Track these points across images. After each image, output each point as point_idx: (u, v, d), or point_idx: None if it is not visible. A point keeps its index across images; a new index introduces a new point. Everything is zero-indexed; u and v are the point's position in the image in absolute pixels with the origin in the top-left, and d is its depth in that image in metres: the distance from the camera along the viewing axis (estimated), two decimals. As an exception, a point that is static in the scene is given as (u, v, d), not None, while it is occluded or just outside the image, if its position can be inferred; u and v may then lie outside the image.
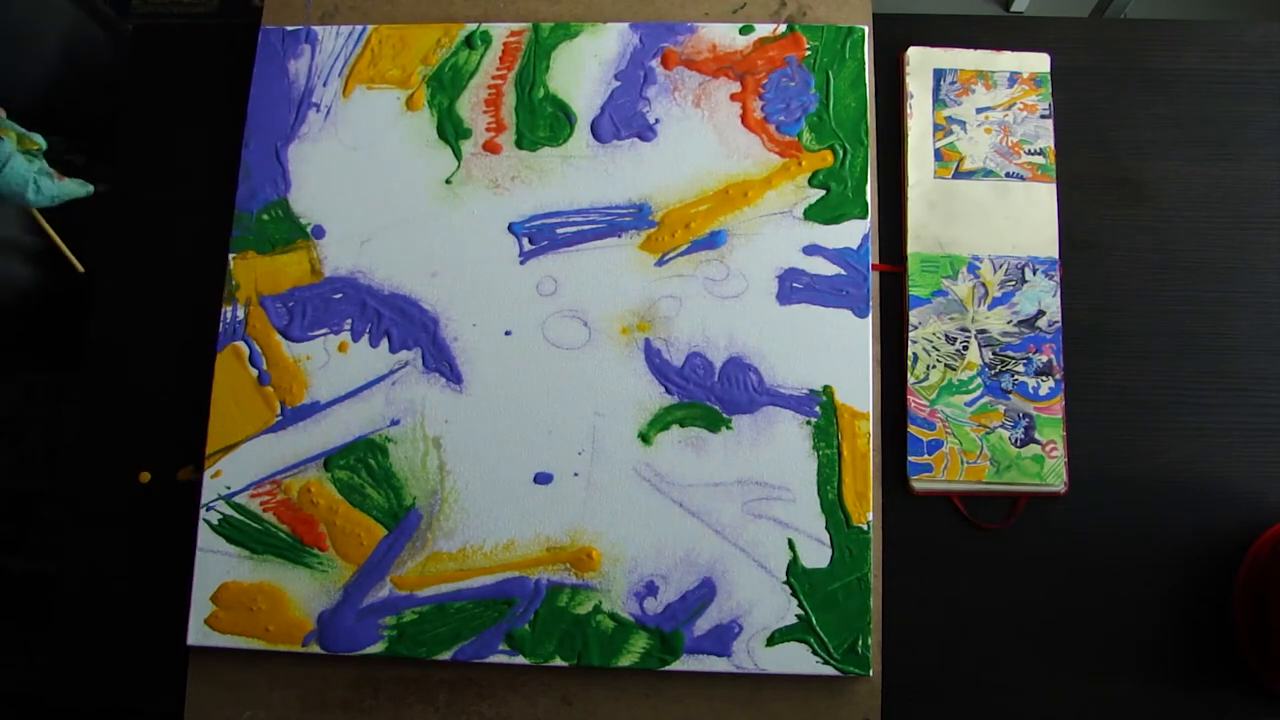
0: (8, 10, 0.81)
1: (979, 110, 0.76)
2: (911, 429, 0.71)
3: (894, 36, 0.78)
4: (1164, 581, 0.70)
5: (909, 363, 0.72)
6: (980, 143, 0.75)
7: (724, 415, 0.70)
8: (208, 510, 0.70)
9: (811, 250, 0.73)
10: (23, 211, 0.76)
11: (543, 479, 0.70)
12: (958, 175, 0.75)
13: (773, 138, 0.75)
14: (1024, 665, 0.69)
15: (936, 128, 0.76)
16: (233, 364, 0.73)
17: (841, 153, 0.74)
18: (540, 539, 0.69)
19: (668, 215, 0.74)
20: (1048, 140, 0.75)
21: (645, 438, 0.70)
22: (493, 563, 0.69)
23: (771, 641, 0.67)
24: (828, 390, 0.70)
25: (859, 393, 0.70)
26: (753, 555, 0.68)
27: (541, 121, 0.76)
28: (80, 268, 0.74)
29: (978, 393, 0.71)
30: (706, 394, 0.71)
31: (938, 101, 0.76)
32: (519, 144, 0.75)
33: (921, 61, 0.77)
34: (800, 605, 0.67)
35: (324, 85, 0.77)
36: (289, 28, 0.79)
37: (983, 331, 0.72)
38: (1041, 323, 0.72)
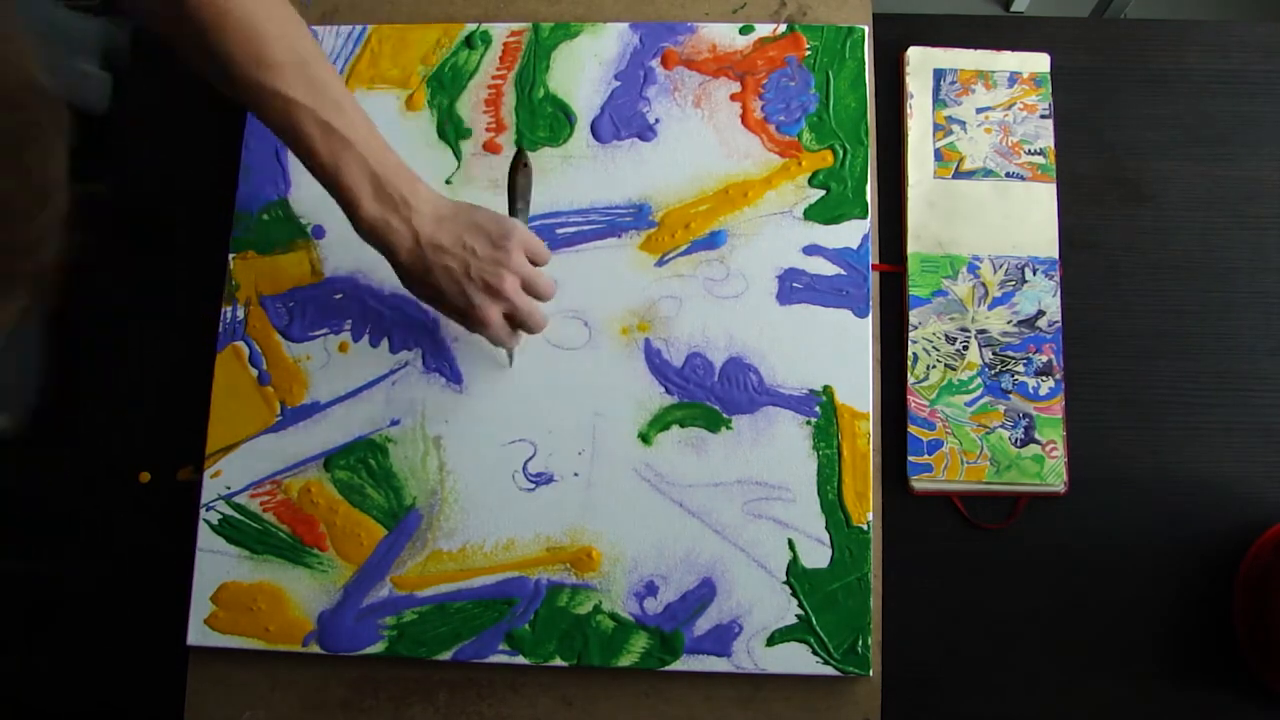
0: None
1: (979, 110, 0.76)
2: (911, 429, 0.71)
3: (894, 36, 0.78)
4: (1164, 581, 0.70)
5: (909, 363, 0.72)
6: (980, 143, 0.75)
7: (724, 415, 0.70)
8: (208, 510, 0.70)
9: (811, 250, 0.73)
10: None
11: (543, 479, 0.70)
12: (958, 175, 0.75)
13: (773, 138, 0.74)
14: (1024, 665, 0.69)
15: (936, 128, 0.76)
16: (233, 364, 0.73)
17: (841, 153, 0.74)
18: (540, 539, 0.69)
19: (668, 215, 0.74)
20: (1048, 140, 0.75)
21: (645, 438, 0.70)
22: (493, 563, 0.69)
23: (771, 641, 0.67)
24: (828, 390, 0.70)
25: (859, 393, 0.70)
26: (753, 555, 0.68)
27: (541, 121, 0.76)
28: None
29: (978, 393, 0.71)
30: (706, 394, 0.71)
31: (938, 101, 0.76)
32: (519, 144, 0.75)
33: (921, 61, 0.77)
34: (800, 605, 0.67)
35: (324, 85, 0.77)
36: (289, 28, 0.79)
37: (983, 331, 0.72)
38: (1041, 323, 0.72)
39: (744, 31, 0.77)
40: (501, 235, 0.62)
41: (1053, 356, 0.72)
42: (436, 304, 0.64)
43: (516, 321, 0.65)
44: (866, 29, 0.76)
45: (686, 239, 0.73)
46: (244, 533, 0.70)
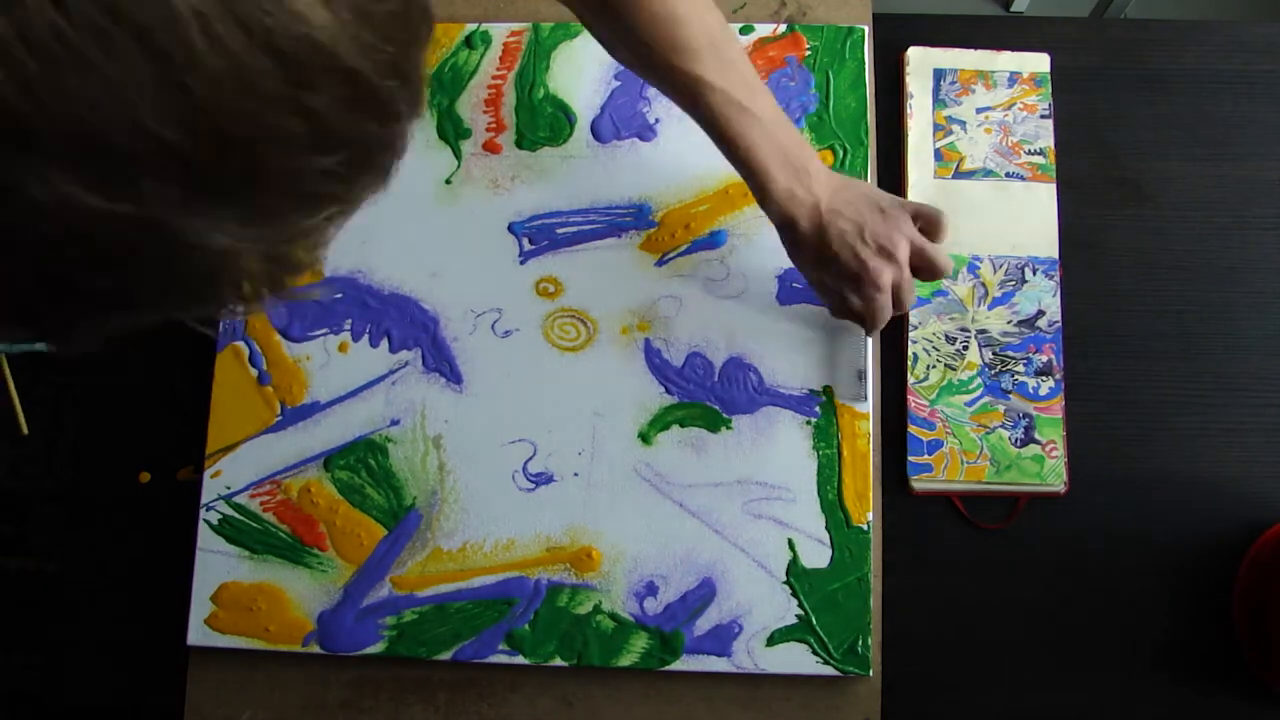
0: None
1: (979, 110, 0.76)
2: (911, 429, 0.71)
3: (894, 36, 0.78)
4: (1164, 581, 0.70)
5: (909, 363, 0.72)
6: (980, 143, 0.75)
7: (724, 415, 0.70)
8: (208, 510, 0.70)
9: (811, 250, 0.73)
10: None
11: (543, 479, 0.70)
12: (958, 175, 0.75)
13: (773, 138, 0.74)
14: (1024, 665, 0.69)
15: (936, 128, 0.76)
16: (233, 364, 0.73)
17: (841, 153, 0.74)
18: (540, 539, 0.69)
19: (668, 215, 0.74)
20: (1048, 140, 0.75)
21: (645, 438, 0.70)
22: (493, 563, 0.69)
23: (771, 641, 0.67)
24: (828, 390, 0.70)
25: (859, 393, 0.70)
26: (753, 555, 0.68)
27: (541, 121, 0.76)
28: (24, 429, 0.74)
29: (978, 393, 0.71)
30: (706, 394, 0.71)
31: (938, 101, 0.76)
32: (519, 144, 0.75)
33: (921, 61, 0.77)
34: (800, 605, 0.67)
35: (324, 85, 0.77)
36: (289, 28, 0.79)
37: (983, 331, 0.72)
38: (1041, 323, 0.72)
39: (744, 31, 0.77)
40: (892, 204, 0.63)
41: (1053, 356, 0.72)
42: (825, 274, 0.64)
43: (897, 293, 0.64)
44: (866, 29, 0.76)
45: (686, 239, 0.73)
46: (244, 533, 0.70)
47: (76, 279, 0.26)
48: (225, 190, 0.25)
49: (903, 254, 0.62)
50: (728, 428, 0.70)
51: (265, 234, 0.27)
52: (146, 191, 0.24)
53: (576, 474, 0.70)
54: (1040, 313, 0.72)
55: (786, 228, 0.62)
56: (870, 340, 0.70)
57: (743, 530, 0.68)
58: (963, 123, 0.76)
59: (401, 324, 0.73)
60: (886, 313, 0.64)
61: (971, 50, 0.77)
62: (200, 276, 0.27)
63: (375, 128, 0.28)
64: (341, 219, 0.30)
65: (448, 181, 0.75)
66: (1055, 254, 0.73)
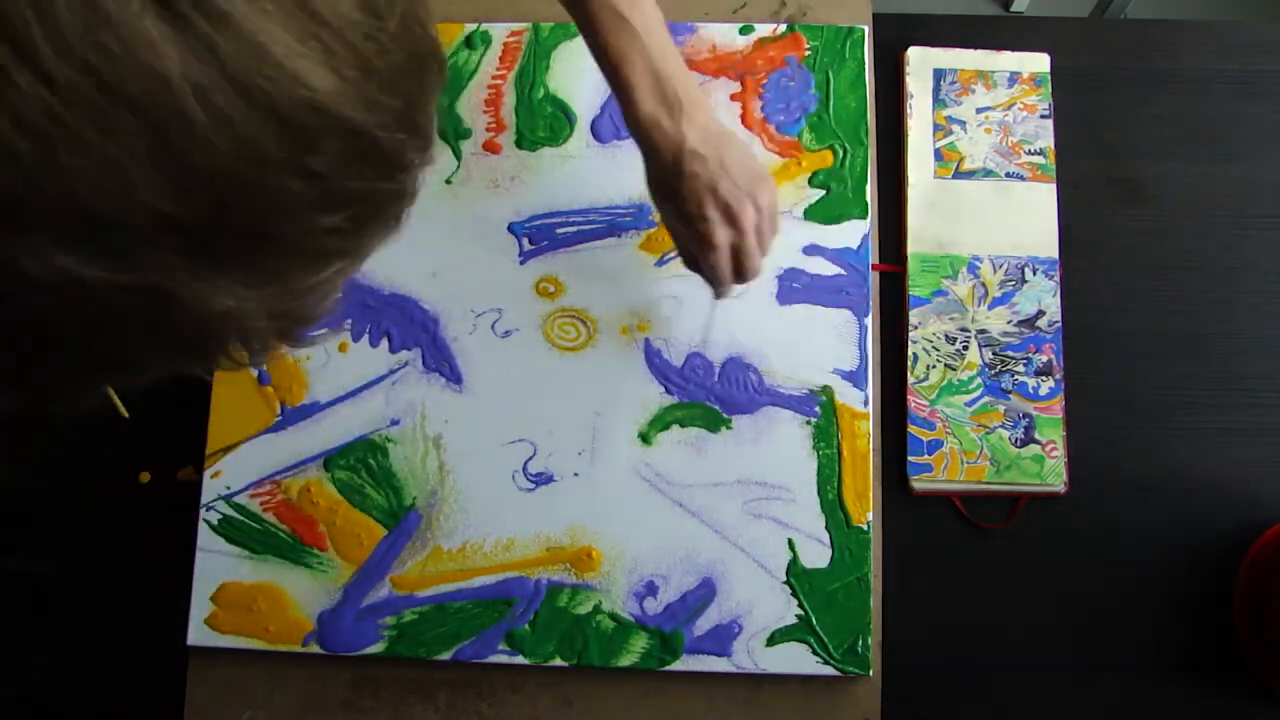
0: None
1: (979, 110, 0.76)
2: (911, 429, 0.71)
3: (894, 36, 0.78)
4: (1164, 581, 0.70)
5: (909, 363, 0.72)
6: (980, 143, 0.75)
7: (724, 415, 0.70)
8: (208, 510, 0.70)
9: (811, 250, 0.73)
10: None
11: (543, 479, 0.70)
12: (958, 175, 0.75)
13: (773, 138, 0.74)
14: (1024, 665, 0.69)
15: (936, 128, 0.76)
16: (233, 364, 0.73)
17: (841, 153, 0.74)
18: (540, 539, 0.69)
19: (668, 215, 0.74)
20: (1048, 140, 0.75)
21: (645, 438, 0.70)
22: (493, 563, 0.69)
23: (771, 641, 0.67)
24: (827, 390, 0.70)
25: (859, 393, 0.70)
26: (753, 555, 0.68)
27: (541, 121, 0.76)
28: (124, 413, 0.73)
29: (978, 393, 0.71)
30: (706, 394, 0.71)
31: (938, 101, 0.76)
32: (519, 144, 0.75)
33: (921, 61, 0.77)
34: (800, 605, 0.67)
35: (324, 85, 0.77)
36: (289, 28, 0.79)
37: (983, 331, 0.72)
38: (1041, 323, 0.72)
39: (744, 31, 0.77)
40: (759, 174, 0.61)
41: (1053, 356, 0.72)
42: (671, 212, 0.61)
43: (738, 259, 0.62)
44: (866, 29, 0.76)
45: (686, 239, 0.73)
46: (244, 533, 0.70)
47: (75, 345, 0.25)
48: (227, 255, 0.25)
49: (747, 220, 0.60)
50: (728, 428, 0.70)
51: (270, 293, 0.27)
52: (145, 261, 0.24)
53: (576, 474, 0.70)
54: (1040, 313, 0.72)
55: (646, 156, 0.60)
56: (721, 301, 0.67)
57: (743, 530, 0.68)
58: (963, 123, 0.76)
59: (401, 324, 0.73)
60: (723, 273, 0.62)
61: (971, 50, 0.77)
62: (203, 337, 0.26)
63: (383, 182, 0.28)
64: (352, 269, 0.29)
65: (448, 181, 0.75)
66: (1055, 254, 0.73)
